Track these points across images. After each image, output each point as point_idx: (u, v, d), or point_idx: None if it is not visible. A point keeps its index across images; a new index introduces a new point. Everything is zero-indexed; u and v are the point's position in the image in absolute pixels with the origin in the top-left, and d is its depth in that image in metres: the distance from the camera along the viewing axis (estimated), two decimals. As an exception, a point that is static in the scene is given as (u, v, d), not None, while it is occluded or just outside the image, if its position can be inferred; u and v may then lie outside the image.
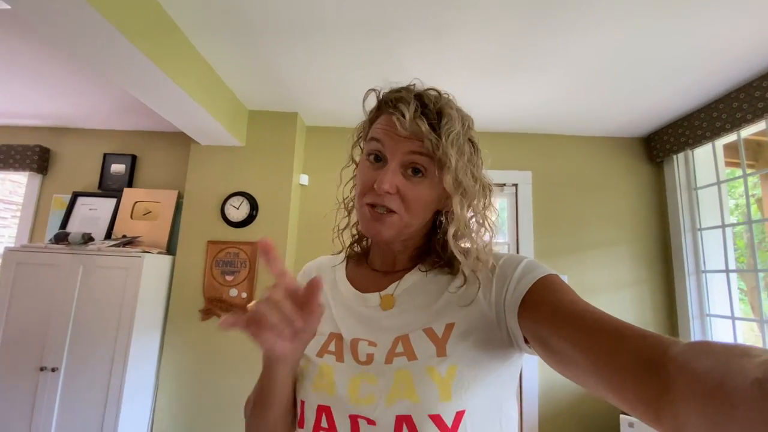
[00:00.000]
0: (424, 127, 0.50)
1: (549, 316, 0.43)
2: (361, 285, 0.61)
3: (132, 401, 1.86)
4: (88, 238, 2.03)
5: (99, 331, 1.85)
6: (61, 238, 2.01)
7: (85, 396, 1.80)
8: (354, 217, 0.66)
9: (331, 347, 0.56)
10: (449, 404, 0.45)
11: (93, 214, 2.34)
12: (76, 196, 2.39)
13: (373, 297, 0.58)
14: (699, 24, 1.39)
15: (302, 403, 0.53)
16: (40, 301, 1.88)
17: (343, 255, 0.68)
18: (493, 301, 0.50)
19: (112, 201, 2.36)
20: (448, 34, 1.50)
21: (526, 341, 0.47)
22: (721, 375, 0.26)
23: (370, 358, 0.52)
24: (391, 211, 0.53)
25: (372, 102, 0.60)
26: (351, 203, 0.66)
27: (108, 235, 2.26)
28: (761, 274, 1.85)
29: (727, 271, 1.97)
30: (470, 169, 0.55)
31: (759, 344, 2.07)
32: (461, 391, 0.46)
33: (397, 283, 0.58)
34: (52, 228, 2.37)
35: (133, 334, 1.84)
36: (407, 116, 0.50)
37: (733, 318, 1.91)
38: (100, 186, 2.44)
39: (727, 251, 1.97)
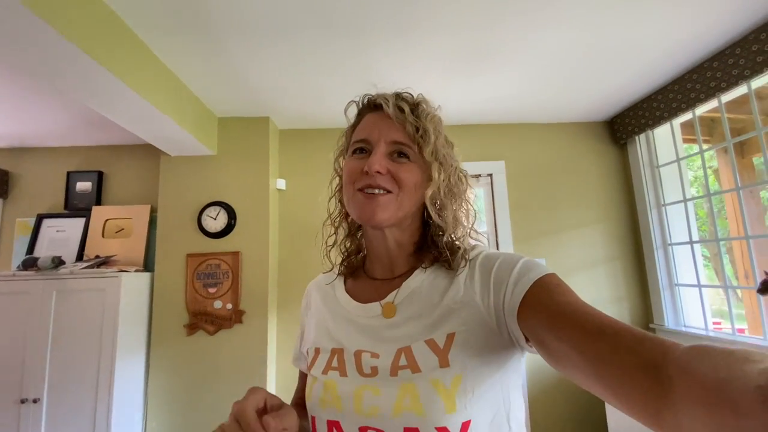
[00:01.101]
0: (407, 108, 0.56)
1: (548, 317, 0.43)
2: (361, 296, 0.62)
3: (121, 426, 1.81)
4: (58, 262, 1.96)
5: (80, 357, 1.79)
6: (30, 263, 1.92)
7: (71, 426, 1.74)
8: (342, 233, 0.67)
9: (335, 363, 0.56)
10: (454, 416, 0.46)
11: (61, 236, 2.24)
12: (41, 218, 2.29)
13: (374, 306, 0.58)
14: (652, 12, 1.46)
15: (313, 418, 0.55)
16: (14, 332, 1.80)
17: (334, 273, 0.68)
18: (491, 305, 0.50)
19: (81, 221, 2.27)
20: (415, 32, 1.51)
21: (527, 341, 0.47)
22: (723, 381, 0.26)
23: (374, 371, 0.52)
24: (385, 192, 0.55)
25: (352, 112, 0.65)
26: (337, 219, 0.67)
27: (80, 257, 2.17)
28: (722, 242, 1.97)
29: (691, 242, 2.09)
30: (447, 150, 0.60)
31: (724, 307, 2.21)
32: (466, 401, 0.47)
33: (396, 291, 0.58)
34: (19, 254, 2.25)
35: (116, 356, 1.79)
36: (390, 102, 0.56)
37: (699, 286, 2.04)
38: (66, 206, 2.34)
39: (690, 224, 2.09)
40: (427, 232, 0.63)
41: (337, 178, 0.66)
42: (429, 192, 0.57)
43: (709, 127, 2.26)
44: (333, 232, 0.67)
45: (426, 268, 0.59)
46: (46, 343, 1.79)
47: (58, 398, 1.76)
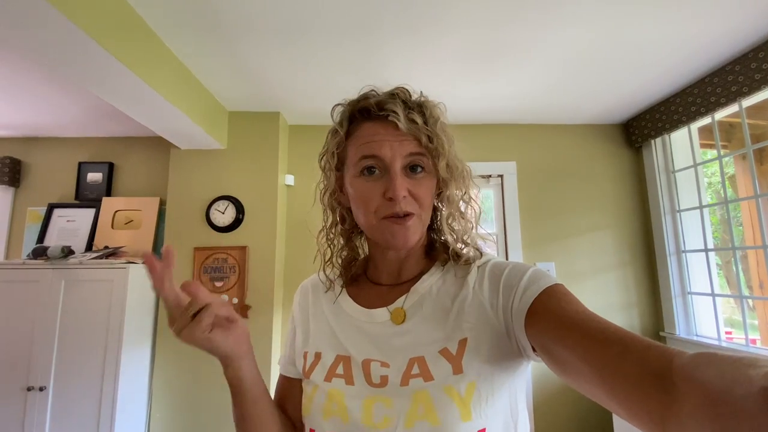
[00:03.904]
0: (420, 121, 0.52)
1: (554, 325, 0.43)
2: (365, 302, 0.59)
3: (126, 415, 1.82)
4: (68, 252, 1.97)
5: (87, 347, 1.80)
6: (40, 252, 1.94)
7: (76, 414, 1.75)
8: (337, 245, 0.63)
9: (339, 370, 0.54)
10: (470, 424, 0.45)
11: (71, 225, 2.26)
12: (52, 208, 2.30)
13: (381, 312, 0.56)
14: (673, 12, 1.42)
15: (311, 431, 0.52)
16: (22, 320, 1.81)
17: (339, 288, 0.64)
18: (500, 312, 0.50)
19: (91, 211, 2.28)
20: (427, 30, 1.49)
21: (534, 350, 0.47)
22: (727, 384, 0.25)
23: (384, 381, 0.50)
24: (408, 214, 0.52)
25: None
26: (332, 230, 0.63)
27: (89, 247, 2.19)
28: (736, 251, 1.92)
29: (706, 250, 2.04)
30: (456, 156, 0.57)
31: (734, 316, 2.16)
32: (480, 409, 0.46)
33: (405, 296, 0.56)
34: (29, 243, 2.27)
35: (122, 347, 1.80)
36: (401, 115, 0.51)
37: (713, 295, 1.99)
38: (76, 196, 2.35)
39: (706, 231, 2.04)
40: (433, 232, 0.62)
41: (324, 184, 0.63)
42: (447, 211, 0.57)
43: (727, 132, 2.20)
44: (328, 245, 0.63)
45: (437, 270, 0.58)
46: (54, 331, 1.80)
47: (64, 387, 1.77)
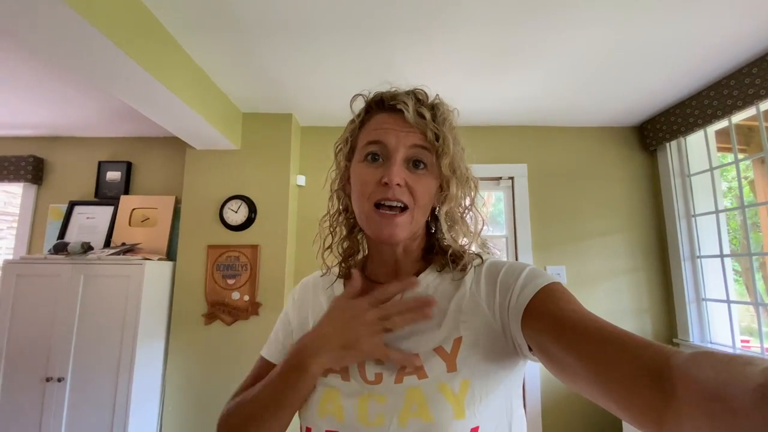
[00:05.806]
0: (427, 114, 0.53)
1: (551, 325, 0.43)
2: None
3: (140, 408, 1.87)
4: (87, 248, 2.03)
5: (103, 340, 1.86)
6: (61, 248, 2.01)
7: (92, 405, 1.81)
8: (339, 234, 0.64)
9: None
10: (463, 422, 0.45)
11: (91, 222, 2.33)
12: (72, 205, 2.38)
13: None
14: (688, 13, 1.40)
15: (308, 430, 0.52)
16: (43, 313, 1.88)
17: (333, 275, 0.65)
18: (497, 310, 0.50)
19: (110, 209, 2.35)
20: (439, 30, 1.50)
21: (530, 349, 0.47)
22: (723, 382, 0.26)
23: (378, 378, 0.51)
24: (402, 209, 0.53)
25: (358, 106, 0.61)
26: (335, 218, 0.64)
27: (107, 244, 2.25)
28: (755, 257, 1.87)
29: (721, 255, 2.00)
30: (462, 159, 0.58)
31: (755, 325, 2.11)
32: (474, 408, 0.46)
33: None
34: (50, 238, 2.36)
35: (137, 341, 1.85)
36: (410, 107, 0.53)
37: (728, 302, 1.95)
38: (96, 194, 2.43)
39: (722, 236, 2.00)
40: (433, 236, 0.62)
41: (336, 175, 0.64)
42: (445, 208, 0.56)
43: (746, 135, 2.15)
44: (329, 232, 0.64)
45: (435, 271, 0.58)
46: (73, 325, 1.86)
47: (81, 378, 1.83)
